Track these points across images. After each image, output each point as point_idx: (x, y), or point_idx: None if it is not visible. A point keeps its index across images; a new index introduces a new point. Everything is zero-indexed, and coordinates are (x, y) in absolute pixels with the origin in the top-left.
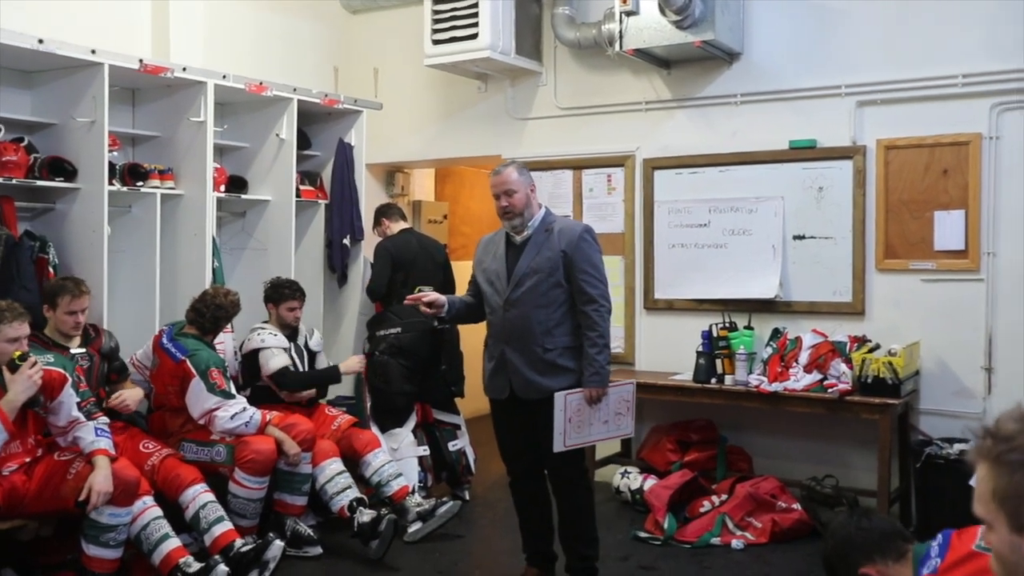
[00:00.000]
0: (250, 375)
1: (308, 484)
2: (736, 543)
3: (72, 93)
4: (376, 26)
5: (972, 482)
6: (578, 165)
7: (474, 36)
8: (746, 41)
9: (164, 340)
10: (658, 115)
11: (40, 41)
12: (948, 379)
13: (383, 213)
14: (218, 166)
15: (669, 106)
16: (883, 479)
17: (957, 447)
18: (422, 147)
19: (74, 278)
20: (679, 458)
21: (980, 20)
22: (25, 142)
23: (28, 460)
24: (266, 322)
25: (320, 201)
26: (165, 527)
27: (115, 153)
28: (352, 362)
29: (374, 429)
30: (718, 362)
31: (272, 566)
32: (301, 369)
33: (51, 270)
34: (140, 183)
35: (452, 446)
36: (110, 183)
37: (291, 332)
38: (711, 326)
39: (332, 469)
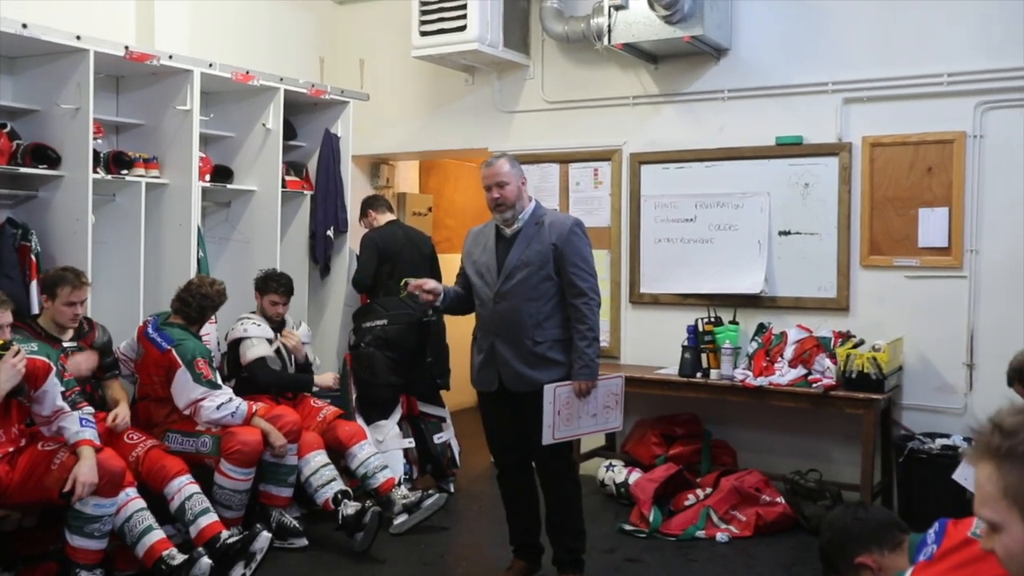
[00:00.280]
0: (234, 365)
1: (294, 476)
2: (721, 536)
3: (56, 79)
4: (362, 16)
5: (964, 480)
6: (565, 159)
7: (462, 28)
8: (734, 37)
9: (149, 330)
10: (645, 110)
11: (24, 26)
12: (930, 375)
13: (370, 205)
14: (203, 155)
15: (656, 101)
16: (866, 473)
17: (939, 442)
18: (408, 139)
19: (74, 269)
20: (664, 452)
21: (966, 20)
22: (7, 128)
23: (11, 450)
24: (253, 312)
25: (306, 192)
26: (149, 519)
27: (99, 141)
28: (327, 378)
29: (359, 421)
30: (703, 356)
31: (259, 557)
32: (286, 359)
33: (33, 258)
34: (125, 171)
35: (437, 438)
36: (94, 171)
37: (277, 323)
38: (697, 320)
39: (317, 461)
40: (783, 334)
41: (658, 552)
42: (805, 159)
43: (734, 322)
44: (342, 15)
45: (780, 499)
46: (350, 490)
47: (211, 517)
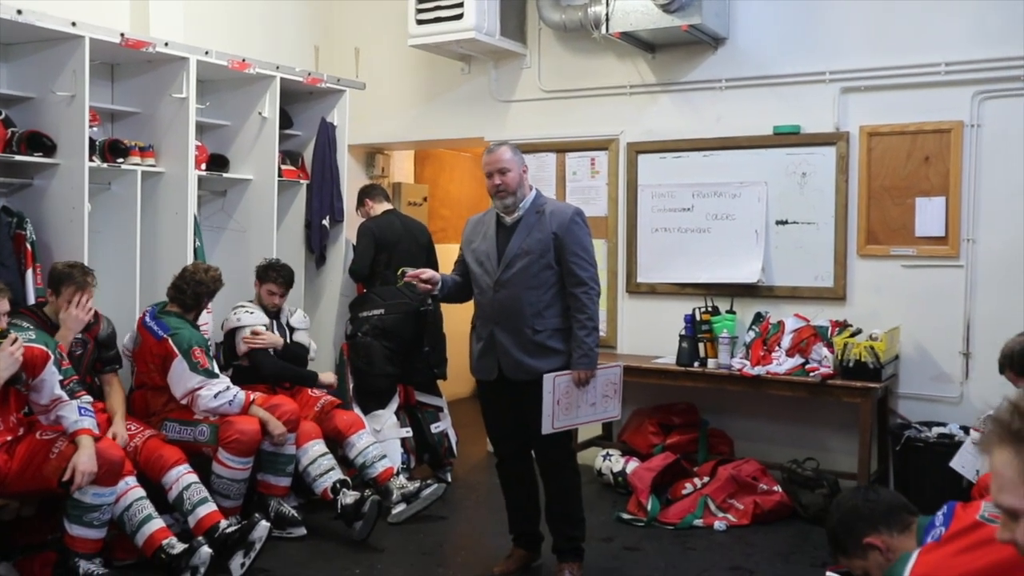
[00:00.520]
0: (230, 355)
1: (292, 465)
2: (718, 524)
3: (51, 66)
4: (358, 5)
5: (961, 468)
6: (561, 148)
7: (459, 16)
8: (732, 26)
9: (147, 318)
10: (642, 99)
11: (19, 12)
12: (927, 364)
13: (366, 194)
14: (199, 144)
15: (653, 90)
16: (863, 461)
17: (936, 431)
18: (404, 128)
19: (83, 267)
20: (661, 441)
21: (964, 8)
22: (2, 115)
23: (10, 439)
24: (250, 300)
25: (302, 181)
26: (148, 508)
27: (95, 129)
28: (329, 376)
29: (356, 410)
30: (700, 346)
31: (258, 547)
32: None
33: (29, 247)
34: (121, 160)
35: (434, 428)
36: (90, 159)
37: (276, 308)
38: (694, 310)
39: (315, 451)
40: (780, 323)
41: (656, 540)
42: (802, 148)
43: (731, 311)
44: (337, 3)
45: (777, 488)
46: (348, 479)
47: (210, 507)
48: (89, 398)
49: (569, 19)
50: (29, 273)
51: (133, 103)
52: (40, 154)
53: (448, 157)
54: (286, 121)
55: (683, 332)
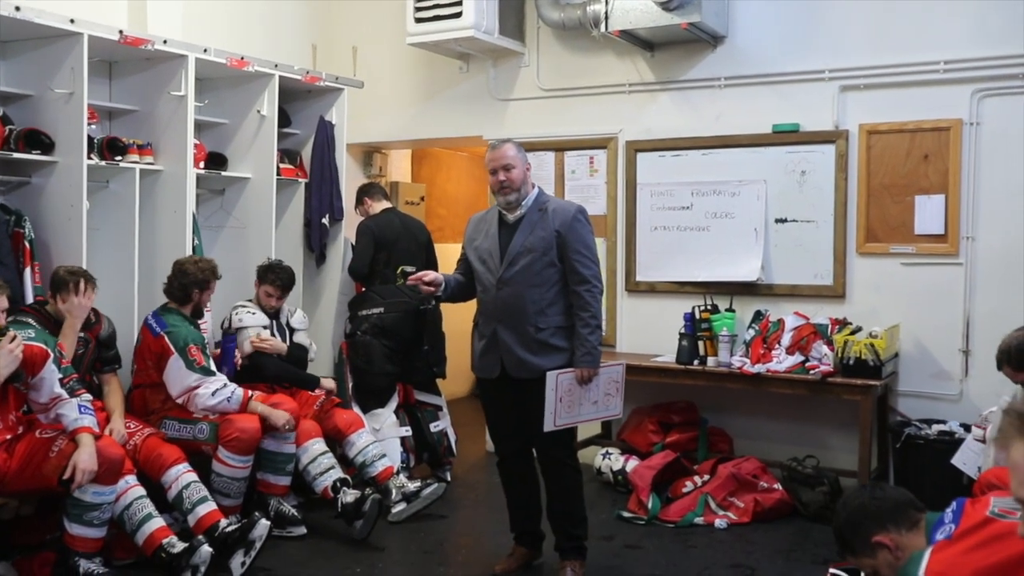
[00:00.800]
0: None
1: (292, 464)
2: (719, 522)
3: (50, 63)
4: (356, 4)
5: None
6: (560, 147)
7: (458, 15)
8: (731, 24)
9: (149, 317)
10: (641, 97)
11: (17, 9)
12: (926, 361)
13: (365, 192)
14: (197, 142)
15: (652, 88)
16: (863, 459)
17: (936, 428)
18: (402, 127)
19: (85, 273)
20: (661, 439)
21: (963, 7)
22: (1, 113)
23: (9, 437)
24: (249, 300)
25: (300, 180)
26: (148, 507)
27: (93, 126)
28: (329, 382)
29: (356, 409)
30: (700, 344)
31: (258, 545)
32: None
33: (27, 245)
34: (119, 158)
35: (434, 427)
36: (88, 157)
37: (274, 310)
38: (693, 308)
39: (315, 449)
40: (780, 321)
41: (657, 538)
42: (802, 147)
43: (731, 310)
44: (335, 2)
45: (777, 486)
46: (349, 478)
47: (210, 506)
48: (89, 396)
49: (568, 17)
50: (28, 271)
51: (131, 101)
52: (38, 152)
53: (445, 156)
54: (284, 120)
55: (683, 330)
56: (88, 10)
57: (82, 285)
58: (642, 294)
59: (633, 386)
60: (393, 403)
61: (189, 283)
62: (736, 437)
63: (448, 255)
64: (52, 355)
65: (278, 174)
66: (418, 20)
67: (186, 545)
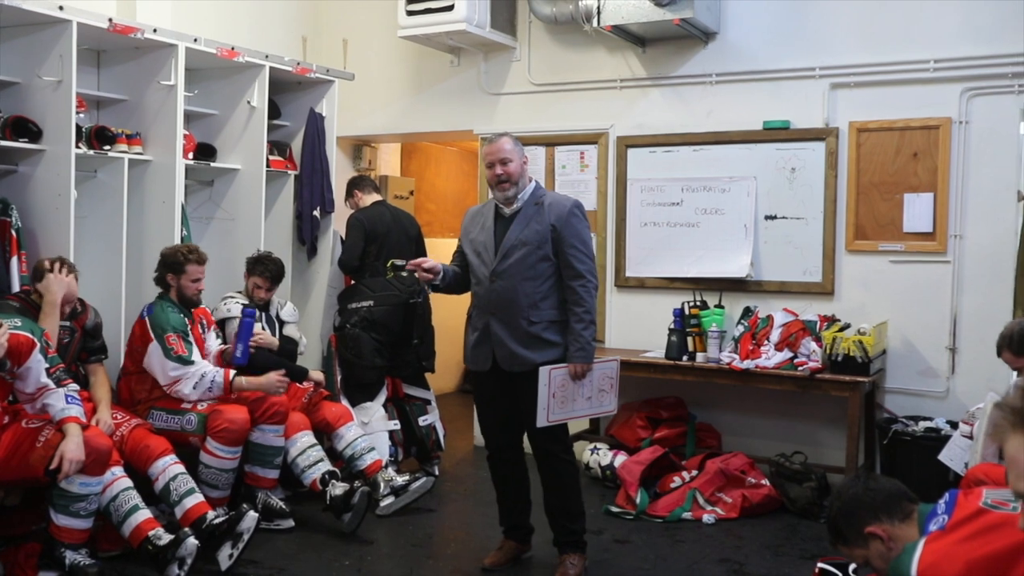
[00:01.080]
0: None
1: (280, 457)
2: (707, 518)
3: (38, 51)
4: None
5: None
6: (551, 142)
7: (450, 8)
8: (722, 21)
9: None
10: (633, 93)
11: None
12: (914, 359)
13: (355, 185)
14: (186, 133)
15: (644, 84)
16: (851, 455)
17: (923, 425)
18: (392, 121)
19: (62, 258)
20: (649, 435)
21: (953, 6)
22: None
23: None
24: (239, 291)
25: (290, 172)
26: (135, 498)
27: (81, 115)
28: (318, 374)
29: (344, 403)
30: (689, 340)
31: (246, 537)
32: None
33: (14, 234)
34: (107, 147)
35: (422, 421)
36: (76, 146)
37: (263, 302)
38: (683, 304)
39: (304, 442)
40: (769, 318)
41: (646, 533)
42: (792, 144)
43: (720, 306)
44: None
45: (765, 481)
46: (338, 471)
47: (197, 498)
48: (76, 386)
49: (560, 12)
50: (14, 261)
51: (120, 90)
52: (25, 140)
53: (435, 151)
54: (274, 111)
55: (672, 326)
56: None
57: (58, 265)
58: (632, 290)
59: (622, 381)
60: (382, 396)
61: (161, 266)
62: (724, 433)
63: (437, 250)
64: (39, 345)
65: (267, 166)
66: (409, 13)
67: (172, 537)
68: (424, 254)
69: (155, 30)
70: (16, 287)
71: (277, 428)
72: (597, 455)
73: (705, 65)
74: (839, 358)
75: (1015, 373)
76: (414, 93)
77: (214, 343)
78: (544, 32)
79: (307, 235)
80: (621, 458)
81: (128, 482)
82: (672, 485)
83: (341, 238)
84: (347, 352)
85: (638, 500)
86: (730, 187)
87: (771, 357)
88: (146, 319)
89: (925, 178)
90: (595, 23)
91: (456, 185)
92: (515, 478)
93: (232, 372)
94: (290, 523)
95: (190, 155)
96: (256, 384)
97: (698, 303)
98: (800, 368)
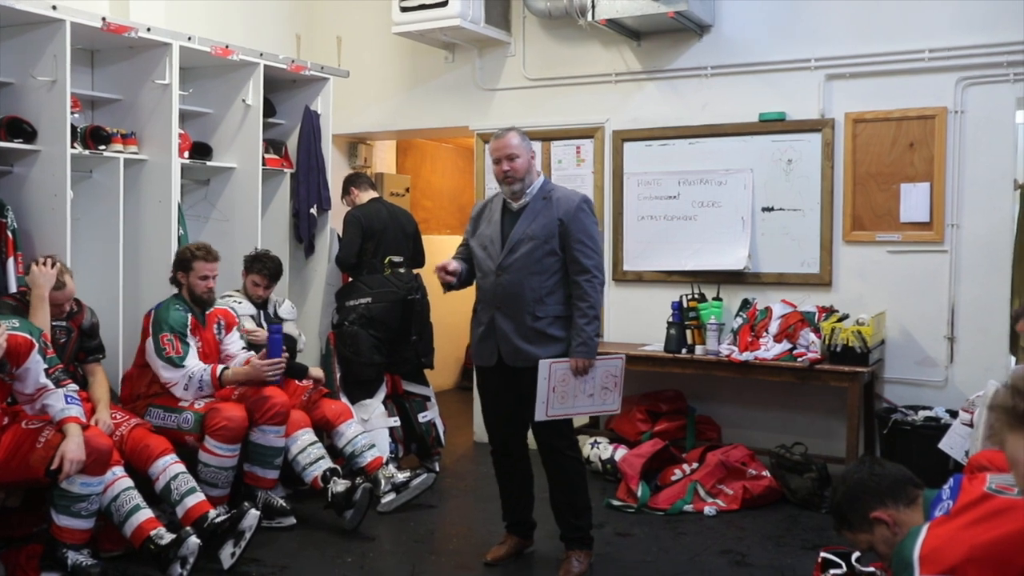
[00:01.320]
0: None
1: (280, 458)
2: (708, 510)
3: (31, 51)
4: None
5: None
6: (547, 136)
7: (444, 3)
8: (717, 13)
9: None
10: (628, 87)
11: None
12: (912, 348)
13: (352, 182)
14: (181, 132)
15: (639, 78)
16: (851, 445)
17: (922, 414)
18: (387, 117)
19: (51, 256)
20: (649, 428)
21: None
22: None
23: None
24: (236, 290)
25: (286, 170)
26: (136, 498)
27: (76, 115)
28: (317, 371)
29: (344, 400)
30: (688, 333)
31: (248, 535)
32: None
33: (10, 235)
34: (103, 147)
35: (422, 417)
36: (72, 146)
37: (261, 300)
38: (681, 297)
39: (305, 439)
40: (768, 309)
41: (647, 526)
42: (788, 135)
43: (718, 298)
44: None
45: (766, 473)
46: (339, 468)
47: (198, 497)
48: (75, 387)
49: (554, 7)
50: (10, 262)
51: (114, 90)
52: (20, 140)
53: (430, 148)
54: (269, 109)
55: (670, 319)
56: None
57: (43, 259)
58: (629, 283)
59: None
60: (381, 393)
61: (174, 264)
62: (724, 425)
63: (433, 247)
64: (37, 345)
65: (263, 164)
66: (404, 9)
67: (174, 536)
68: (421, 251)
69: (149, 29)
70: (13, 288)
71: (278, 429)
72: (597, 449)
73: (700, 58)
74: (838, 349)
75: (1014, 360)
76: (409, 90)
77: (236, 345)
78: (538, 27)
79: (304, 233)
80: (621, 452)
81: (129, 482)
82: (673, 478)
83: (338, 236)
84: (346, 349)
85: (639, 493)
86: (727, 180)
87: (770, 349)
88: (151, 313)
89: (921, 168)
90: (590, 17)
91: (452, 182)
92: (519, 474)
93: (220, 368)
94: (291, 521)
95: (186, 154)
96: (243, 373)
97: (696, 296)
98: (799, 359)
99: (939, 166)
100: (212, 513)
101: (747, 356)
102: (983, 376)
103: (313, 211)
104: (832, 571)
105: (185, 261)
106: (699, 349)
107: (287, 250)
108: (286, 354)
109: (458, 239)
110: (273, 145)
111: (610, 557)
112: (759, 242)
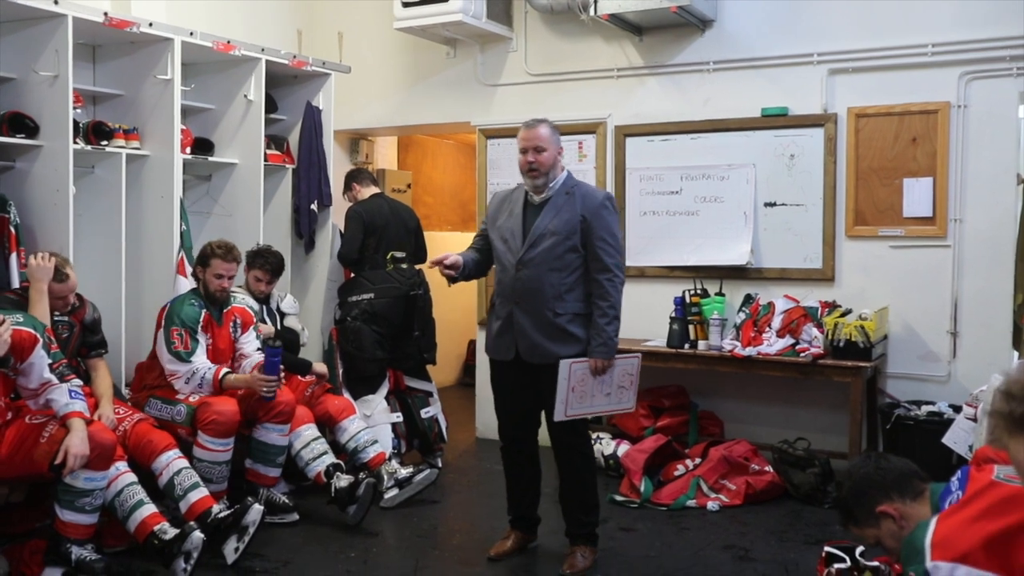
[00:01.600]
0: None
1: (283, 456)
2: (711, 505)
3: (33, 46)
4: None
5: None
6: None
7: None
8: (719, 8)
9: None
10: (630, 82)
11: None
12: (915, 343)
13: (353, 178)
14: (183, 127)
15: (641, 73)
16: (854, 440)
17: (925, 409)
18: (389, 114)
19: (62, 259)
20: (651, 423)
21: None
22: None
23: None
24: (239, 286)
25: (287, 166)
26: (140, 493)
27: (78, 110)
28: (321, 366)
29: (346, 395)
30: (690, 328)
31: (252, 531)
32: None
33: (12, 230)
34: (105, 142)
35: (425, 413)
36: (74, 141)
37: (263, 295)
38: (683, 292)
39: (308, 435)
40: (770, 304)
41: (651, 521)
42: (790, 130)
43: (720, 294)
44: None
45: (769, 468)
46: (342, 463)
47: (201, 492)
48: (79, 381)
49: (556, 2)
50: (13, 257)
51: (116, 85)
52: (22, 136)
53: (432, 144)
54: (271, 105)
55: (673, 314)
56: None
57: (40, 253)
58: (632, 279)
59: None
60: (384, 389)
61: (196, 259)
62: (727, 420)
63: (435, 243)
64: (41, 340)
65: (265, 160)
66: (405, 4)
67: (178, 531)
68: (423, 246)
69: (151, 24)
70: (16, 283)
71: (282, 427)
72: (600, 444)
73: (702, 53)
74: (841, 344)
75: (1016, 354)
76: (410, 85)
77: (251, 345)
78: (540, 22)
79: (305, 229)
80: (624, 447)
81: (133, 477)
82: (676, 473)
83: (340, 231)
84: (348, 345)
85: (642, 489)
86: (729, 175)
87: (773, 344)
88: (166, 306)
89: (924, 163)
90: (592, 12)
91: (453, 178)
92: (528, 469)
93: (223, 370)
94: (294, 516)
95: (187, 150)
96: (244, 381)
97: (699, 291)
98: (802, 354)
99: (942, 161)
100: (216, 508)
101: (750, 351)
102: (986, 371)
103: (314, 207)
104: (836, 566)
105: (205, 257)
106: (702, 344)
107: (289, 246)
108: (283, 375)
109: (459, 235)
110: (275, 141)
111: (613, 552)
112: (761, 237)
